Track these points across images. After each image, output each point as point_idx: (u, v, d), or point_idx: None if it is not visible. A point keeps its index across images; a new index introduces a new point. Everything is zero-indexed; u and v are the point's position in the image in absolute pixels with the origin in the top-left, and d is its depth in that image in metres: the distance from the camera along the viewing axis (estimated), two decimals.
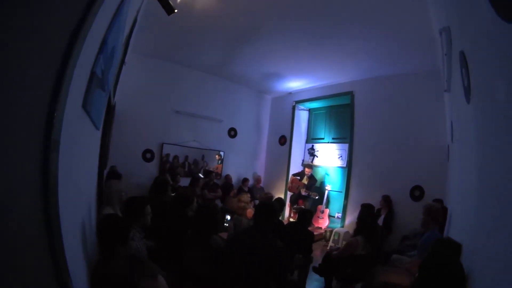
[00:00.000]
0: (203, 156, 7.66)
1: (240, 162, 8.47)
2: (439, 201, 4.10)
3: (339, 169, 7.37)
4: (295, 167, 8.13)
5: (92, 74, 1.58)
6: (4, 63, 0.85)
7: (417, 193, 5.34)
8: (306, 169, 7.45)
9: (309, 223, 4.20)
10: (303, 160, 8.32)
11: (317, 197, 7.01)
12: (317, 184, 7.46)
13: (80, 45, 1.17)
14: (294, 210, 7.23)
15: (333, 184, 7.34)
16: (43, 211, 1.06)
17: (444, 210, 3.45)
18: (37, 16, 0.95)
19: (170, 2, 3.40)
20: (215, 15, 4.45)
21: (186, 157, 7.38)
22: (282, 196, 7.75)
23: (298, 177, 7.52)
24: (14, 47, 0.88)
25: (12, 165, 0.92)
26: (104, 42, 1.68)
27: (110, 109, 3.42)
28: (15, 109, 0.91)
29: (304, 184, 7.27)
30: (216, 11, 4.31)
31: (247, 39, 5.29)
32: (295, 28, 4.67)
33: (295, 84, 7.76)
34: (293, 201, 7.45)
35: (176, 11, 3.52)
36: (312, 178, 7.35)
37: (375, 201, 5.62)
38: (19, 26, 0.89)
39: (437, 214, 3.24)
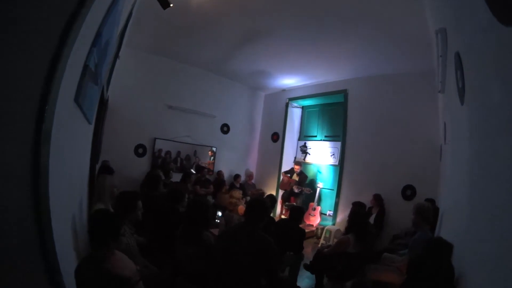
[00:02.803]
0: (195, 152, 7.62)
1: (232, 158, 8.45)
2: (431, 200, 4.11)
3: (331, 167, 7.39)
4: (287, 164, 8.12)
5: (85, 67, 1.55)
6: None
7: (408, 192, 5.37)
8: (295, 166, 7.45)
9: (301, 220, 4.21)
10: (295, 157, 8.31)
11: (310, 192, 7.04)
12: (308, 181, 7.48)
13: (74, 37, 1.14)
14: (286, 207, 7.23)
15: (325, 182, 7.37)
16: (33, 206, 1.04)
17: (436, 210, 3.48)
18: (29, 6, 0.93)
19: None
20: (211, 11, 4.40)
21: (179, 153, 7.34)
22: (274, 192, 7.78)
23: (289, 174, 7.54)
24: (5, 38, 0.86)
25: (2, 158, 0.90)
26: (98, 35, 1.65)
27: (103, 103, 3.38)
28: (5, 102, 0.89)
29: (295, 181, 7.29)
30: (211, 7, 4.27)
31: (241, 36, 5.26)
32: (291, 26, 4.64)
33: (288, 81, 7.75)
34: (285, 198, 7.45)
35: (171, 5, 3.48)
36: (302, 174, 7.37)
37: (367, 200, 5.65)
38: (11, 17, 0.86)
39: (427, 213, 3.24)
